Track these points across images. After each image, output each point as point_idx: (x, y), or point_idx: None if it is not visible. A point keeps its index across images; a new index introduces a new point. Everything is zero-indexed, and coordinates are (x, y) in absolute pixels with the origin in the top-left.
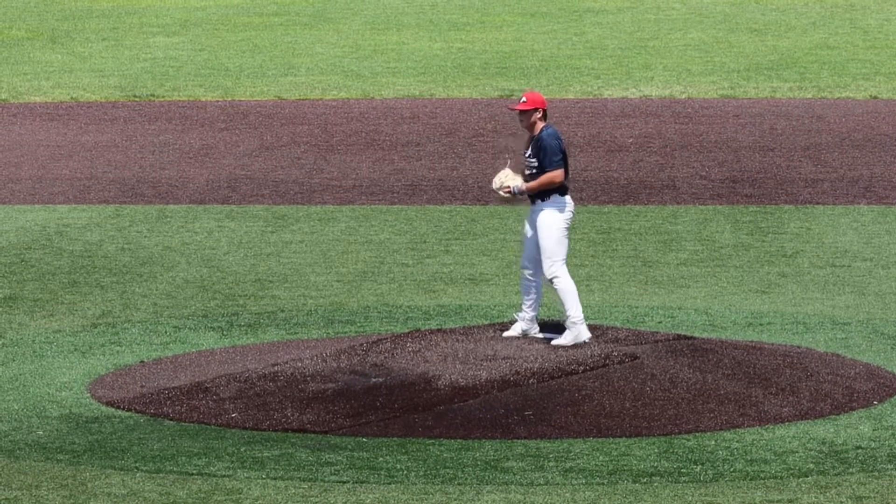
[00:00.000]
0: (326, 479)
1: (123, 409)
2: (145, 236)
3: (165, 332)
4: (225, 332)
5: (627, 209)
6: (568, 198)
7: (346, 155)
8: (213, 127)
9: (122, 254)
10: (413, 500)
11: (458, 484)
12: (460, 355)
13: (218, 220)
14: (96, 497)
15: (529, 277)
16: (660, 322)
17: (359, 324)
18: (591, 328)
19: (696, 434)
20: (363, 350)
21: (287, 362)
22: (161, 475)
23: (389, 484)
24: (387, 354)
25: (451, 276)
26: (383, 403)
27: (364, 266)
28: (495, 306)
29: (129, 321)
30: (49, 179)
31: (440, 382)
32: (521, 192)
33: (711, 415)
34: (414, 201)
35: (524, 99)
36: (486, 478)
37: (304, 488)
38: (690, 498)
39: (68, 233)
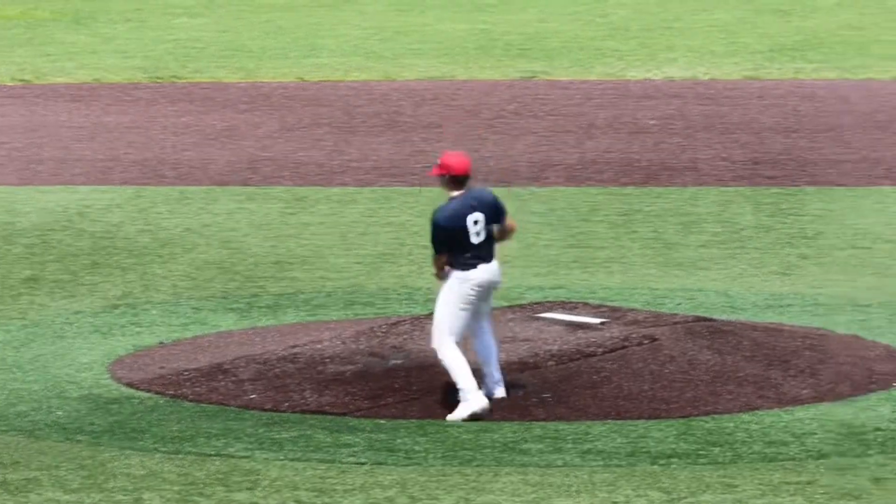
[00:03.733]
0: (344, 460)
1: (143, 390)
2: (166, 218)
3: (185, 314)
4: (244, 314)
5: (648, 191)
6: (471, 273)
7: (367, 136)
8: (234, 108)
9: (142, 235)
10: (431, 481)
11: (477, 466)
12: None
13: (238, 201)
14: (116, 477)
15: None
16: (679, 304)
17: (378, 306)
18: (611, 311)
19: (715, 416)
20: (382, 332)
21: (306, 344)
22: (180, 456)
23: (408, 466)
24: (406, 336)
25: None
26: (402, 385)
27: (384, 248)
28: (514, 288)
29: (149, 302)
30: (71, 161)
31: None
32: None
33: (730, 397)
34: (435, 183)
35: (437, 161)
36: (505, 459)
37: (322, 470)
38: (709, 480)
39: (89, 214)
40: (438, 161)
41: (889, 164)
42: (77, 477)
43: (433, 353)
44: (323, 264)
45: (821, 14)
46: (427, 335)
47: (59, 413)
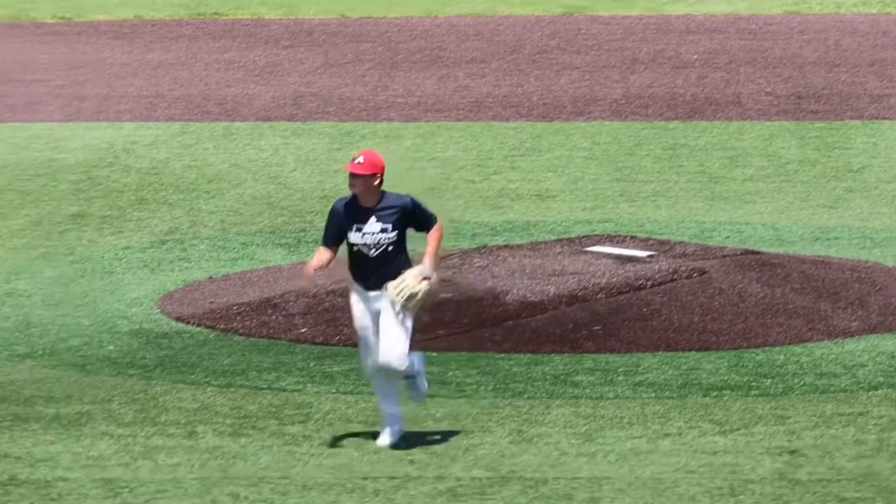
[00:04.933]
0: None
1: (193, 324)
2: (212, 153)
3: (233, 249)
4: (292, 249)
5: (693, 125)
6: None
7: (410, 73)
8: (277, 45)
9: (188, 171)
10: (482, 414)
11: (528, 398)
12: (528, 270)
13: (284, 137)
14: (168, 411)
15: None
16: (727, 237)
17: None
18: (659, 244)
19: (766, 348)
20: None
21: None
22: (232, 389)
23: (459, 398)
24: (455, 270)
25: (517, 192)
26: (452, 318)
27: (430, 183)
28: (562, 222)
29: (196, 238)
30: (115, 98)
31: (508, 297)
32: (433, 269)
33: (780, 329)
34: (479, 118)
35: (361, 159)
36: (556, 392)
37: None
38: (761, 411)
39: (135, 150)
40: (361, 158)
41: None
42: (130, 411)
43: (396, 370)
44: None
45: None
46: (476, 269)
47: (111, 348)
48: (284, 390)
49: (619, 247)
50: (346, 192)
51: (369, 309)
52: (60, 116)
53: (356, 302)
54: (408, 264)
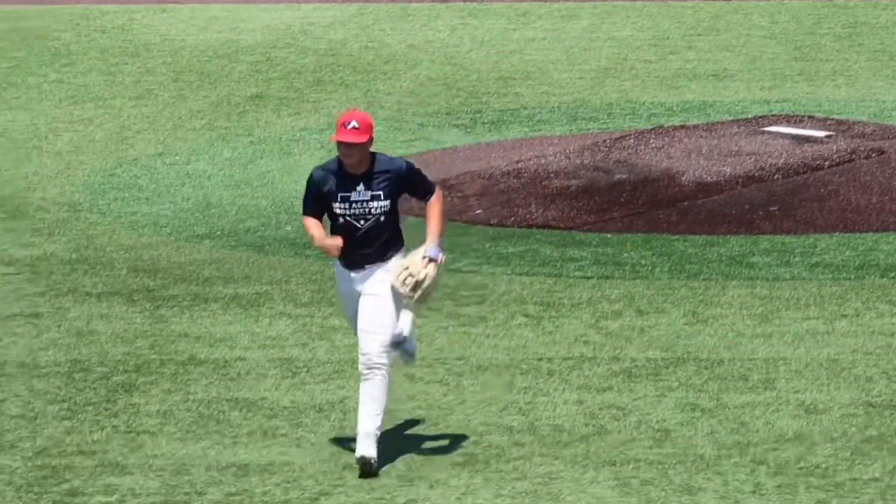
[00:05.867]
0: (571, 274)
1: None
2: (388, 35)
3: (410, 130)
4: (468, 130)
5: (874, 3)
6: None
7: None
8: None
9: (365, 52)
10: (658, 295)
11: (704, 279)
12: (704, 151)
13: (461, 17)
14: None
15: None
16: None
17: (602, 120)
18: (837, 123)
19: None
20: (607, 146)
21: (531, 159)
22: None
23: (634, 279)
24: (630, 151)
25: (694, 71)
26: (627, 199)
27: (607, 63)
28: (739, 102)
29: (374, 118)
30: None
31: (684, 178)
32: (438, 247)
33: None
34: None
35: (355, 124)
36: (732, 273)
37: (548, 284)
38: None
39: (312, 31)
40: (354, 122)
41: None
42: (307, 291)
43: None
44: (546, 79)
45: None
46: (652, 149)
47: (288, 228)
48: (460, 271)
49: (797, 127)
50: (521, 74)
51: (353, 294)
52: None
53: (339, 285)
54: (399, 239)
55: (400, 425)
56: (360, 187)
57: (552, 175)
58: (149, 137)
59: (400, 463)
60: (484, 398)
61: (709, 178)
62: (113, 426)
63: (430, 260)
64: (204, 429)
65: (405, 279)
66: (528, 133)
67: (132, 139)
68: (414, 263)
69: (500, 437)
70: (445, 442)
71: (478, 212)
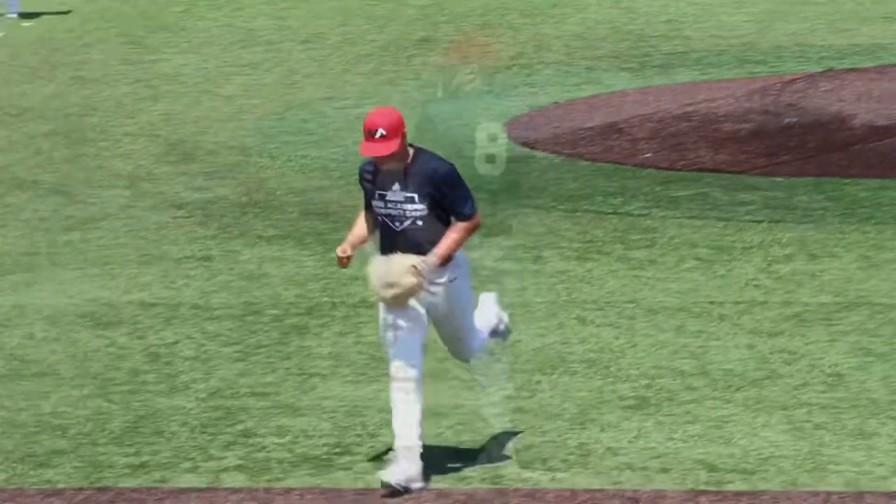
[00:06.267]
0: (741, 218)
1: (539, 149)
2: None
3: (578, 74)
4: (637, 73)
5: None
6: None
7: None
8: None
9: None
10: (829, 239)
11: (876, 223)
12: (875, 94)
13: None
14: (515, 235)
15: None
16: None
17: (771, 64)
18: None
19: None
20: (777, 90)
21: (700, 102)
22: (577, 214)
23: (805, 223)
24: (801, 94)
25: (865, 14)
26: (798, 143)
27: (776, 5)
28: None
29: (542, 62)
30: None
31: (855, 121)
32: (434, 268)
33: None
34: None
35: (383, 132)
36: None
37: (719, 227)
38: None
39: None
40: (385, 131)
41: None
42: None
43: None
44: (714, 22)
45: None
46: (822, 93)
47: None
48: (630, 215)
49: None
50: (689, 17)
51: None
52: None
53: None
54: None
55: (572, 367)
56: (396, 186)
57: (722, 119)
58: (318, 81)
59: (571, 405)
60: (655, 341)
61: (880, 122)
62: (285, 368)
63: (418, 271)
64: (375, 371)
65: (394, 280)
66: (696, 77)
67: (301, 83)
68: (401, 265)
69: (671, 380)
70: (617, 385)
71: (647, 155)
